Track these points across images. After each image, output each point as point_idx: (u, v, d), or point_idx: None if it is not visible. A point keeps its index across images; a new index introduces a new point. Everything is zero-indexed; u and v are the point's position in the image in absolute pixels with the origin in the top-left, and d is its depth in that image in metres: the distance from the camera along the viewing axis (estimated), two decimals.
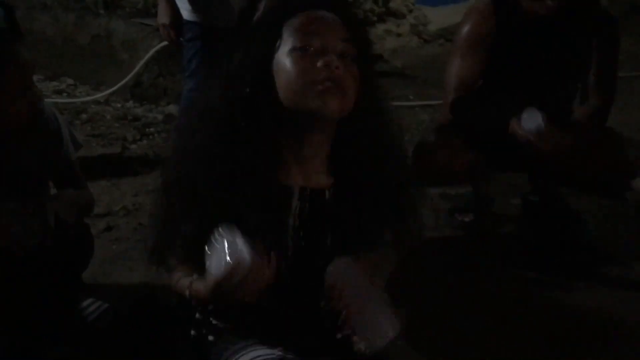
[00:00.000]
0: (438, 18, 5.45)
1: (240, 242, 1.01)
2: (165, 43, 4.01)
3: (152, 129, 3.56)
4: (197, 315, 1.27)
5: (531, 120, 1.93)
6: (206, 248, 1.04)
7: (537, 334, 1.86)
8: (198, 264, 1.09)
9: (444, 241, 2.37)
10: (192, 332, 1.27)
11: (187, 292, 1.11)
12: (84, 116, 3.77)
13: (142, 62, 4.05)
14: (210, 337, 1.26)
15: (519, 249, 2.31)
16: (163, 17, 2.52)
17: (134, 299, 1.47)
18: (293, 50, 1.11)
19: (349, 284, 1.05)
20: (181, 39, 2.57)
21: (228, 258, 1.00)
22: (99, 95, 4.07)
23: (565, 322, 1.92)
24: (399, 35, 5.20)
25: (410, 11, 5.45)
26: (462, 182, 2.43)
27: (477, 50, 2.18)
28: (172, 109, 3.76)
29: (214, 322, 1.26)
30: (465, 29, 2.22)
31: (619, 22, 2.26)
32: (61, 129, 1.83)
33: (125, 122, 3.68)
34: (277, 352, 1.15)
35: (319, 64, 1.09)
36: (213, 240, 1.03)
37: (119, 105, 3.97)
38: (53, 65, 4.52)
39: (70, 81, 4.39)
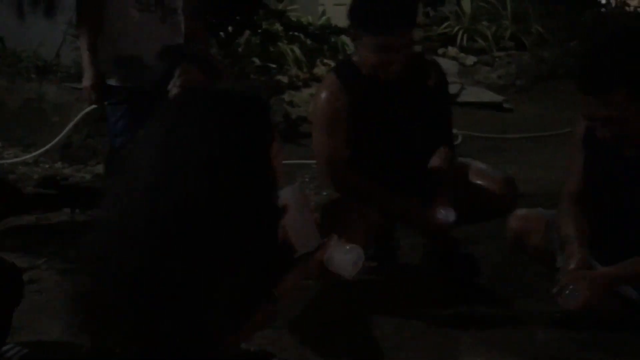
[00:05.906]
0: None
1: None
2: (95, 106, 4.17)
3: None
4: None
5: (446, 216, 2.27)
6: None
7: None
8: None
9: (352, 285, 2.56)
10: None
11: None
12: (11, 177, 3.83)
13: (71, 123, 4.16)
14: None
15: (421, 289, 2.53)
16: (87, 80, 2.67)
17: None
18: None
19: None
20: (106, 102, 2.72)
21: None
22: (28, 157, 4.15)
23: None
24: None
25: None
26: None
27: (336, 124, 2.27)
28: (100, 168, 3.87)
29: None
30: (319, 107, 2.34)
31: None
32: None
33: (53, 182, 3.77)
34: None
35: None
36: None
37: (47, 166, 4.05)
38: None
39: None
